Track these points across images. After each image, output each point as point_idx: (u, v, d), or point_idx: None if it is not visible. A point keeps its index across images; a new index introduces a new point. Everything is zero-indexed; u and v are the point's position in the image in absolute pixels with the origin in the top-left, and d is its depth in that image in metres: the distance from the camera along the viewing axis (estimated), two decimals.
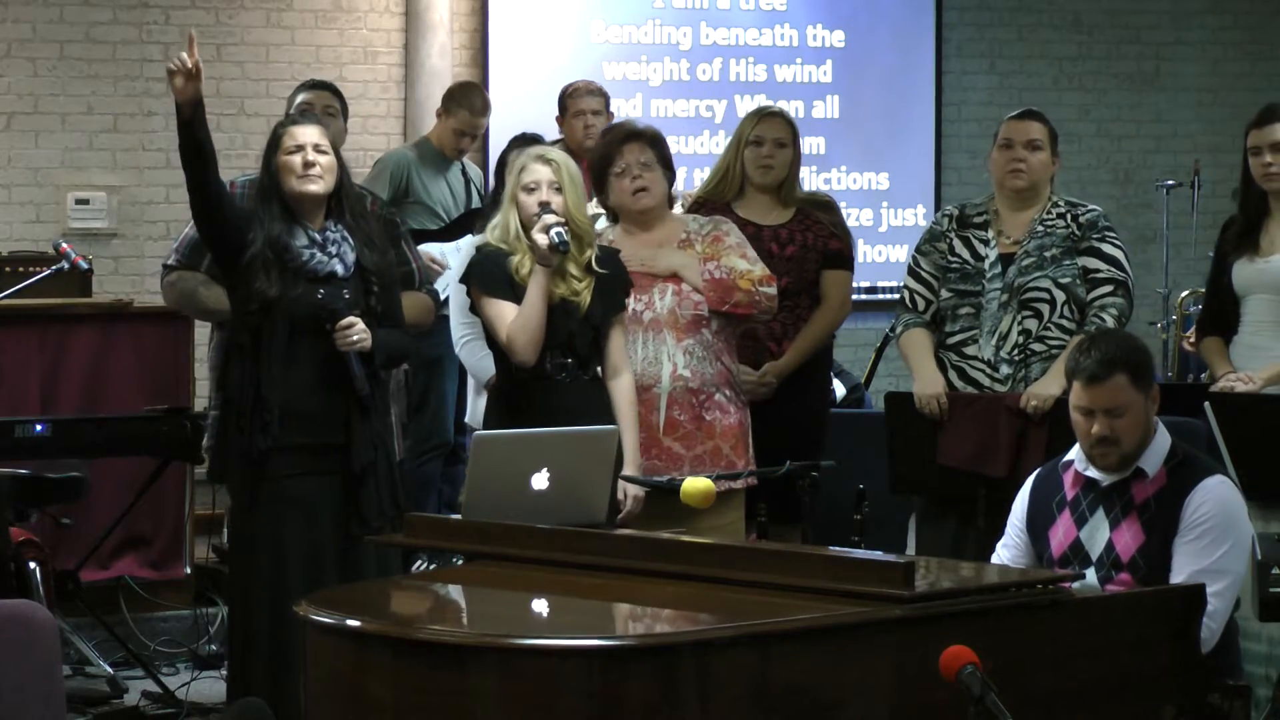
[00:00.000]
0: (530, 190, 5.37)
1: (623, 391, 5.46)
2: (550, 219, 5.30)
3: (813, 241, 6.25)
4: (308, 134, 5.41)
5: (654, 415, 5.60)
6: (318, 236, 5.40)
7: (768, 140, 6.33)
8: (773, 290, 5.76)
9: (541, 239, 5.29)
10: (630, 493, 5.37)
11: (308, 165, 5.36)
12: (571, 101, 7.87)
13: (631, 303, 5.61)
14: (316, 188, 5.38)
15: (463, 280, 5.55)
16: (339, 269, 5.40)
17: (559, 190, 5.36)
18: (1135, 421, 4.58)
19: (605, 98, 7.91)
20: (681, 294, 5.67)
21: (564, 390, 5.37)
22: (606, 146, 5.85)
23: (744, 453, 5.72)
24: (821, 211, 6.45)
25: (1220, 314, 5.97)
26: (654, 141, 5.79)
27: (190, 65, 5.13)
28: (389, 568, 5.39)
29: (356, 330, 5.33)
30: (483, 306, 5.44)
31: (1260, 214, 5.90)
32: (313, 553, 5.31)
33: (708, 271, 5.67)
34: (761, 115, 6.46)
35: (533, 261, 5.35)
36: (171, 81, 5.19)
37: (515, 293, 5.36)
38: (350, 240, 5.43)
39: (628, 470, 5.28)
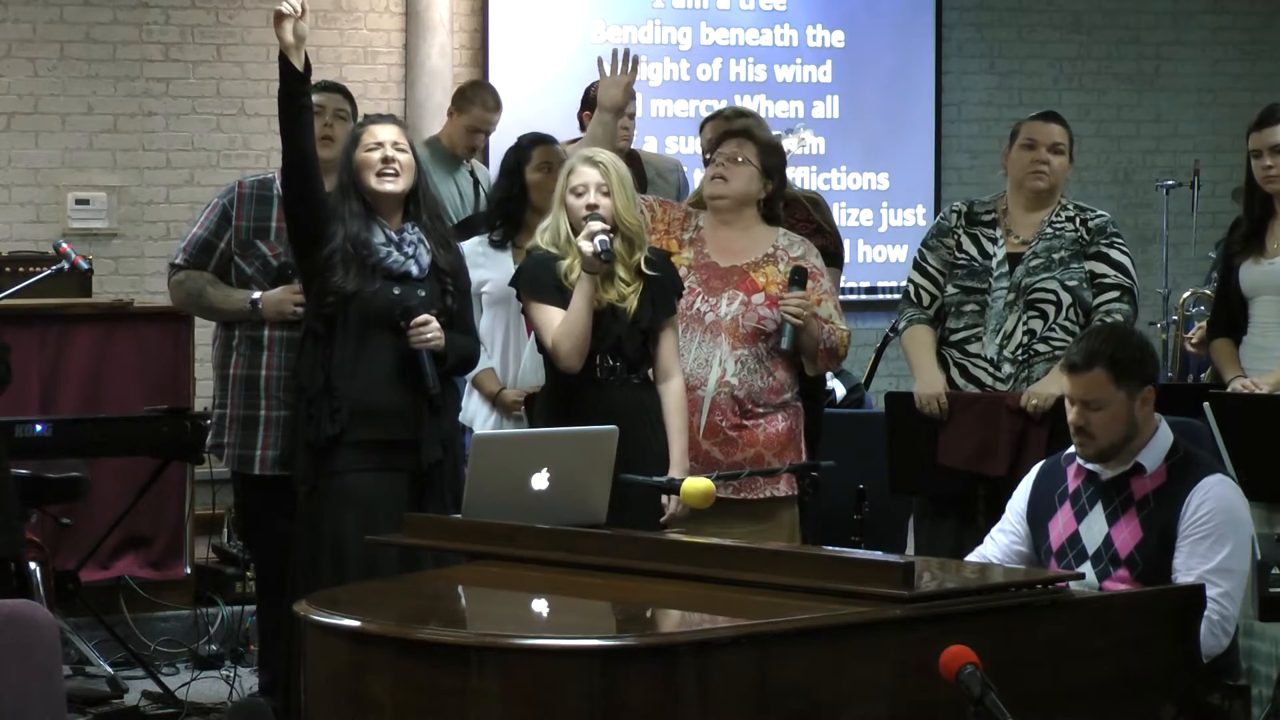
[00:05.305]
0: (578, 194, 5.27)
1: (673, 395, 5.36)
2: (595, 226, 5.18)
3: None
4: (387, 132, 5.45)
5: (695, 417, 5.51)
6: (395, 236, 5.42)
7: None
8: (843, 354, 5.80)
9: (586, 246, 5.16)
10: (675, 499, 5.24)
11: (387, 161, 5.39)
12: None
13: (698, 302, 5.57)
14: (395, 187, 5.41)
15: (511, 283, 5.48)
16: (414, 270, 5.41)
17: (607, 193, 5.25)
18: (1111, 418, 4.55)
19: (634, 98, 7.77)
20: (749, 305, 5.59)
21: (612, 393, 5.27)
22: (723, 135, 5.78)
23: (795, 458, 5.61)
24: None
25: (1230, 316, 5.99)
26: (764, 146, 5.67)
27: (299, 8, 5.18)
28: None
29: (431, 328, 5.33)
30: (530, 311, 5.36)
31: (1265, 216, 5.92)
32: (373, 550, 5.25)
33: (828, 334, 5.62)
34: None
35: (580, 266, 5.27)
36: (279, 28, 5.22)
37: (564, 297, 5.25)
38: (426, 242, 5.46)
39: (674, 473, 5.16)
